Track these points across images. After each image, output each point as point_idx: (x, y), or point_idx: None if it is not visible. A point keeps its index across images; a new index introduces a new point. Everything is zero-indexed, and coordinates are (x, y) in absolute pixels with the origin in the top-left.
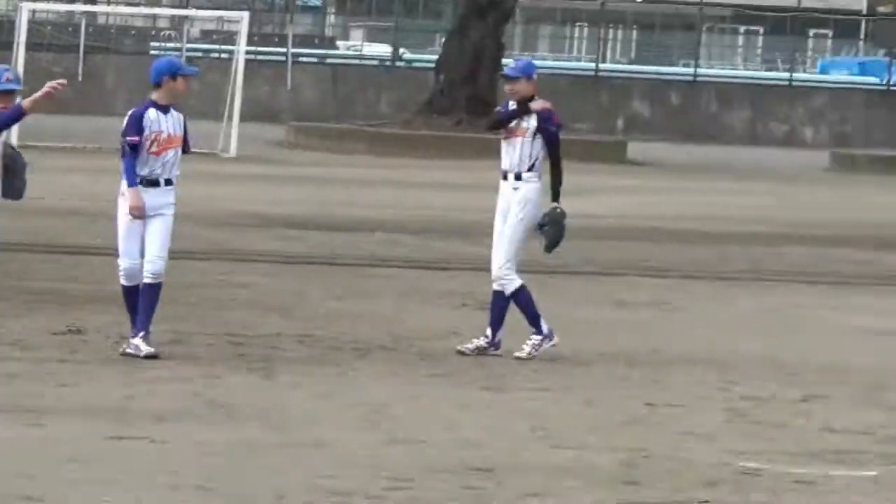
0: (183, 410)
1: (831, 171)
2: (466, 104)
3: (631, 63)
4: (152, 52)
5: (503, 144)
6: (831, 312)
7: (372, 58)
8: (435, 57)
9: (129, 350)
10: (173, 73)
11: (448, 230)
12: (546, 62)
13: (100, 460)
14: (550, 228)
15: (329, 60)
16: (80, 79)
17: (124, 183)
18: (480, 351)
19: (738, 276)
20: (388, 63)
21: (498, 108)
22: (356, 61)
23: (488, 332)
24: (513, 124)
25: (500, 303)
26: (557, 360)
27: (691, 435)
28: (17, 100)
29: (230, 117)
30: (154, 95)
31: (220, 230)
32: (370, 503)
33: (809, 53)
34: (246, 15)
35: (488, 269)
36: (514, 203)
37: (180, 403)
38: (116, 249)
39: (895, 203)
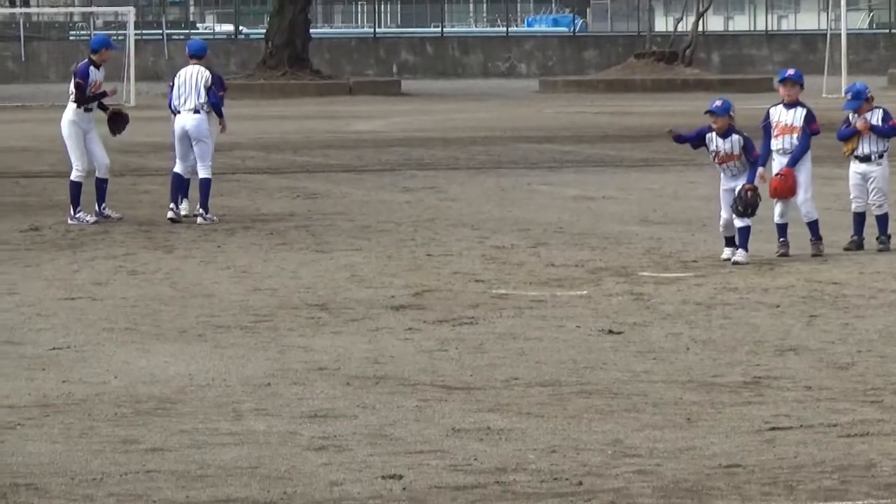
0: (112, 277)
1: (540, 93)
2: (288, 61)
3: (399, 26)
4: (71, 37)
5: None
6: (549, 187)
7: (221, 33)
8: (264, 30)
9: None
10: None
11: (284, 147)
12: (339, 29)
13: (56, 315)
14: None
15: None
16: (23, 59)
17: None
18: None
19: (482, 165)
20: (232, 37)
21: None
22: (211, 36)
23: None
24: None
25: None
26: (366, 228)
27: (459, 274)
28: None
29: (128, 79)
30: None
31: (127, 155)
32: (243, 332)
33: (519, 13)
34: (132, 9)
35: (316, 171)
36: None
37: (110, 273)
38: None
39: (582, 111)
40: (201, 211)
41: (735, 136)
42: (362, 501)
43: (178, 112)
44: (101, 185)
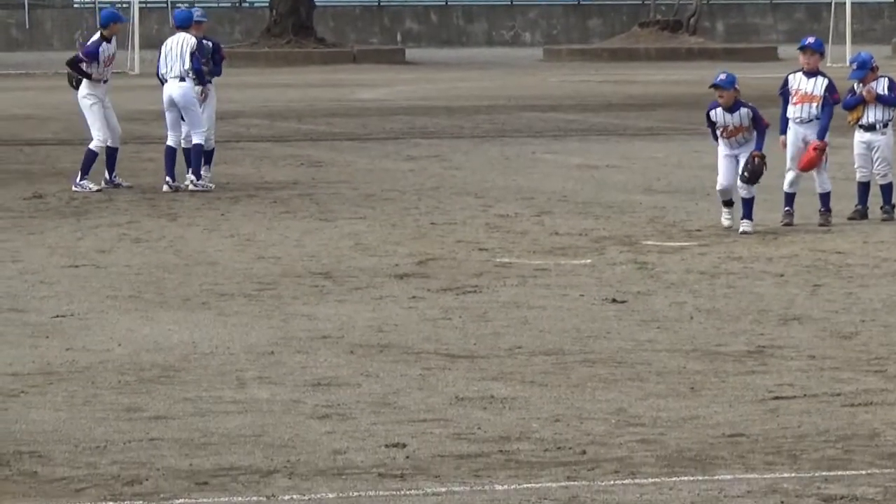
0: (116, 245)
1: (544, 62)
2: (293, 29)
3: None
4: (75, 5)
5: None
6: (554, 156)
7: (226, 1)
8: None
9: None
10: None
11: (288, 115)
12: None
13: (60, 282)
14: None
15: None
16: (27, 26)
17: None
18: None
19: (486, 134)
20: (237, 4)
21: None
22: (216, 4)
23: None
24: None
25: None
26: (370, 197)
27: (463, 243)
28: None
29: (133, 47)
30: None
31: (131, 123)
32: (247, 301)
33: None
34: None
35: (320, 140)
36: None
37: (114, 241)
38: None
39: (587, 80)
40: (191, 177)
41: (743, 110)
42: (365, 470)
43: (165, 81)
44: (112, 153)
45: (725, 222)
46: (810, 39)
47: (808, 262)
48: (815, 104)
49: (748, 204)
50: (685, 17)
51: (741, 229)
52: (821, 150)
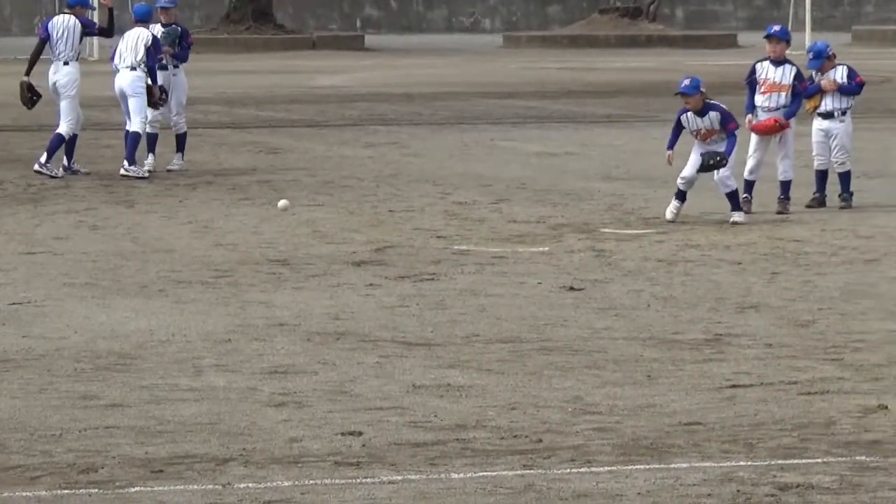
0: (73, 232)
1: (504, 49)
2: (252, 15)
3: None
4: None
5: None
6: (512, 143)
7: None
8: None
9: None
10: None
11: (247, 102)
12: None
13: (17, 269)
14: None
15: None
16: None
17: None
18: None
19: (445, 121)
20: None
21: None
22: None
23: None
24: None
25: None
26: (328, 184)
27: (420, 230)
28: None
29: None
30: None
31: (89, 109)
32: (204, 288)
33: None
34: None
35: (278, 126)
36: None
37: (71, 228)
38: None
39: (546, 67)
40: (125, 163)
41: (712, 113)
42: (321, 458)
43: (118, 70)
44: (73, 140)
45: (669, 215)
46: (776, 28)
47: (765, 250)
48: (783, 93)
49: (732, 196)
50: (645, 4)
51: (733, 220)
52: (781, 126)
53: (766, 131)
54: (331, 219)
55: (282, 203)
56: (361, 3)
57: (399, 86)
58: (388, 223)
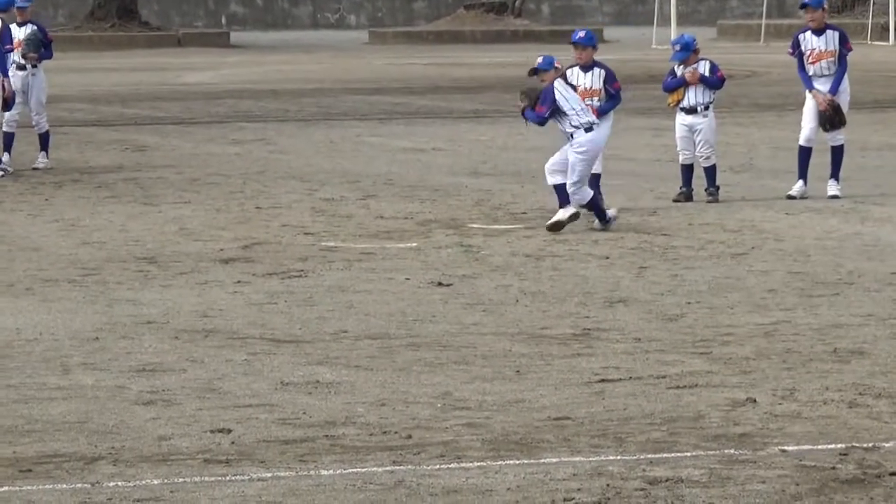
0: None
1: (370, 45)
2: (117, 13)
3: None
4: None
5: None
6: (379, 139)
7: None
8: None
9: None
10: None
11: (112, 99)
12: None
13: None
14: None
15: None
16: None
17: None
18: None
19: (311, 117)
20: None
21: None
22: None
23: None
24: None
25: None
26: (195, 181)
27: (288, 227)
28: None
29: None
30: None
31: None
32: (71, 286)
33: None
34: None
35: (145, 124)
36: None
37: None
38: None
39: (412, 63)
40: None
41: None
42: (191, 455)
43: None
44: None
45: (558, 217)
46: (581, 33)
47: (633, 245)
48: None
49: (710, 173)
50: (510, 0)
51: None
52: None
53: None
54: (198, 216)
55: None
56: (226, 0)
57: (265, 82)
58: (256, 220)
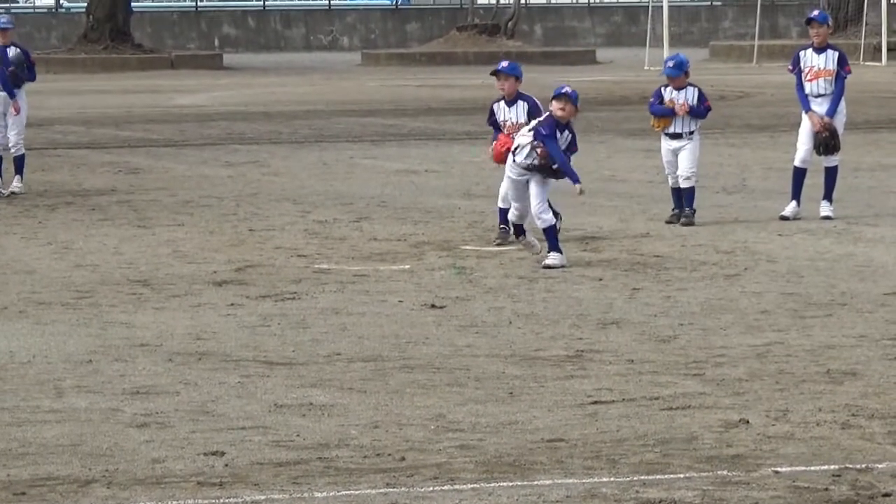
0: None
1: (362, 66)
2: (110, 35)
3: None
4: None
5: None
6: (372, 161)
7: (42, 7)
8: (86, 4)
9: None
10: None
11: (105, 121)
12: (160, 3)
13: None
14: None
15: (13, 10)
16: None
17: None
18: None
19: (304, 139)
20: (53, 10)
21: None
22: (32, 10)
23: None
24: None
25: None
26: (188, 203)
27: (281, 249)
28: None
29: None
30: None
31: None
32: (65, 309)
33: None
34: None
35: (138, 146)
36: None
37: None
38: None
39: (405, 84)
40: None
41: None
42: (184, 478)
43: None
44: None
45: (520, 243)
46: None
47: (626, 266)
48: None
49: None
50: (503, 21)
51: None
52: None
53: (498, 158)
54: (191, 239)
55: None
56: (219, 22)
57: (258, 104)
58: (249, 242)
